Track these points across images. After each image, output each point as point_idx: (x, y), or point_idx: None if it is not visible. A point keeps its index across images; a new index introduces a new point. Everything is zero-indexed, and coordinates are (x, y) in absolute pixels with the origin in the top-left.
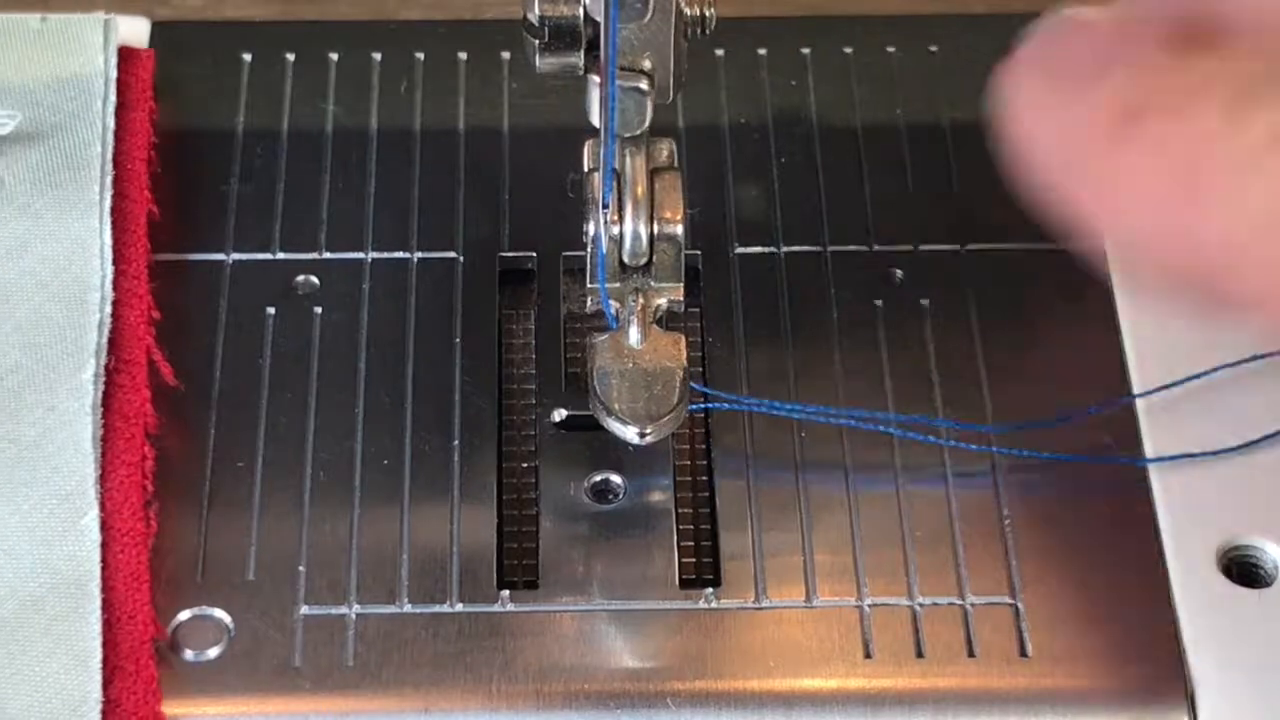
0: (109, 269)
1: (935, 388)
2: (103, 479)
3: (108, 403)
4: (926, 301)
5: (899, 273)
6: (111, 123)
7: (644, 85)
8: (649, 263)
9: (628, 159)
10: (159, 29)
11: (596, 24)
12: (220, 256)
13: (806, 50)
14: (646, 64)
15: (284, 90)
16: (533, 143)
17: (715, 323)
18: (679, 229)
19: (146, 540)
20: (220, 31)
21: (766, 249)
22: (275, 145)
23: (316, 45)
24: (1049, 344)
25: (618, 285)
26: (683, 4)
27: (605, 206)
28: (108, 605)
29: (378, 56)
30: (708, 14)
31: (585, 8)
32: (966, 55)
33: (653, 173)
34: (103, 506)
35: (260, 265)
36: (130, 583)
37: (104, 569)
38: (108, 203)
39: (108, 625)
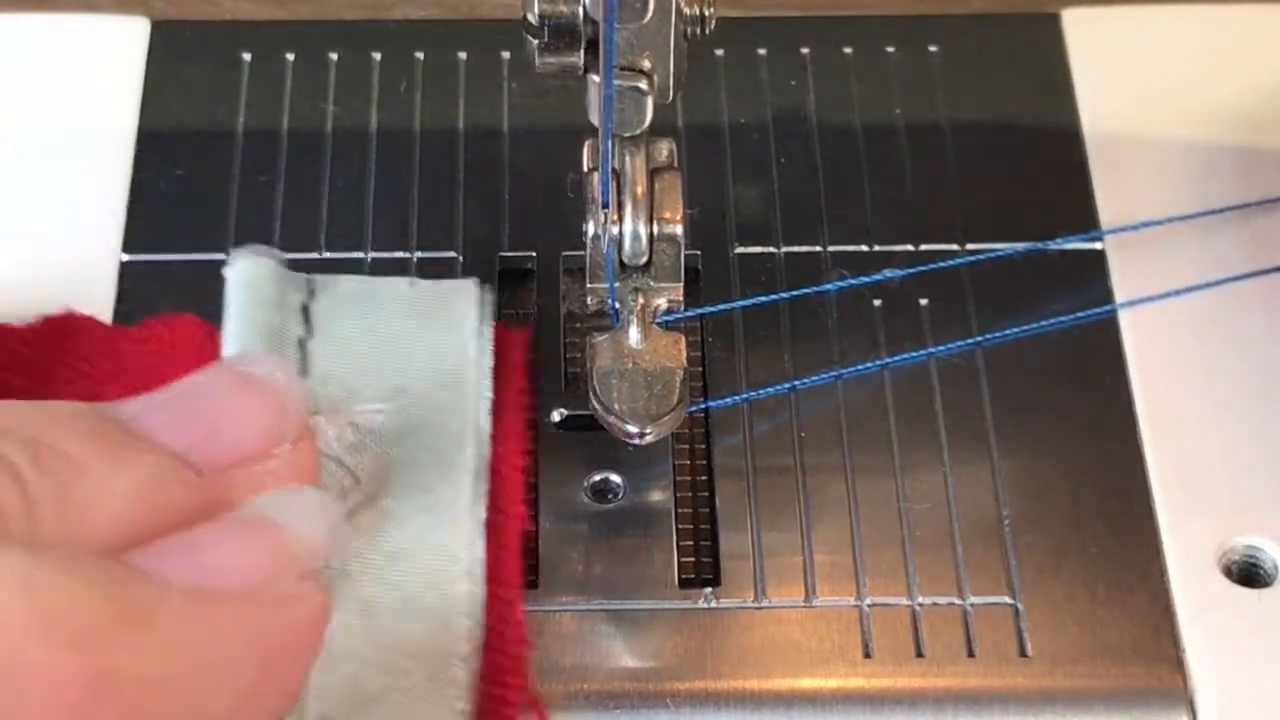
0: (480, 590)
1: (935, 388)
2: None
3: None
4: (925, 301)
5: (898, 272)
6: (487, 422)
7: (643, 85)
8: (649, 263)
9: (627, 159)
10: (159, 29)
11: (596, 24)
12: (220, 256)
13: (806, 50)
14: (646, 64)
15: (284, 90)
16: (533, 143)
17: (715, 322)
18: (679, 229)
19: None
20: (220, 31)
21: (766, 249)
22: (275, 145)
23: (316, 45)
24: (1048, 343)
25: (617, 285)
26: (683, 4)
27: (605, 207)
28: None
29: (378, 56)
30: (707, 14)
31: (585, 7)
32: (966, 55)
33: (652, 173)
34: None
35: None
36: None
37: None
38: (481, 514)
39: None
